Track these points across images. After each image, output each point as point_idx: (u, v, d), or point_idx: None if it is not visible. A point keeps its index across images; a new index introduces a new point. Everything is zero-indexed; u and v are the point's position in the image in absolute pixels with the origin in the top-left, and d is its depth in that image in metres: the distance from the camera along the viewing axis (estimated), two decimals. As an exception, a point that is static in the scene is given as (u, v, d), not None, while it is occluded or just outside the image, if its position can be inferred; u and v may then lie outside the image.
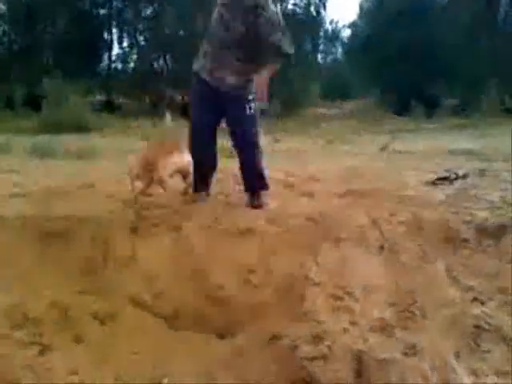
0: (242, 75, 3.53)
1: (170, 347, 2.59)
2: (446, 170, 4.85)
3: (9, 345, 2.40)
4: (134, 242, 3.15)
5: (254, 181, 3.73)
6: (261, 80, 3.50)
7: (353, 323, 2.38)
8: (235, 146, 3.72)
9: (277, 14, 3.48)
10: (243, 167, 3.74)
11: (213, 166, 3.84)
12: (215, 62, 3.55)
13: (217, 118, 3.68)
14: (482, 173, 4.86)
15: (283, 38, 3.47)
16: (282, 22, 3.49)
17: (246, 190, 3.78)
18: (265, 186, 3.76)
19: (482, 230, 3.05)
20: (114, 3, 21.45)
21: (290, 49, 3.52)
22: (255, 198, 3.71)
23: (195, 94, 3.72)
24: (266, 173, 3.76)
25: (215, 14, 3.55)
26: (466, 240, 2.99)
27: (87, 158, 6.76)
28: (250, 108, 3.56)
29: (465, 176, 4.63)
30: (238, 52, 3.49)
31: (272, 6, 3.45)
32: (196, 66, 3.66)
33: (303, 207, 3.59)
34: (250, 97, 3.56)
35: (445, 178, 4.53)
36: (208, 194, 3.87)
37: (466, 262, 2.83)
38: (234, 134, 3.68)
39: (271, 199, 3.77)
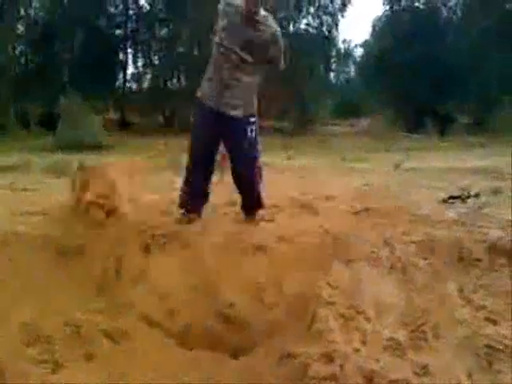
0: (244, 99, 3.59)
1: (182, 366, 2.59)
2: (459, 189, 4.84)
3: (22, 362, 2.42)
4: (146, 260, 3.17)
5: (252, 201, 3.81)
6: None
7: (364, 343, 2.36)
8: (234, 168, 3.75)
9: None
10: (241, 187, 3.80)
11: (207, 192, 3.86)
12: (219, 87, 3.58)
13: (217, 143, 3.72)
14: (495, 191, 4.84)
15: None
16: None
17: (243, 207, 3.87)
18: (261, 206, 3.84)
19: (495, 249, 3.03)
20: (130, 24, 21.79)
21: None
22: (251, 215, 3.80)
23: (197, 119, 3.78)
24: (263, 192, 3.84)
25: (216, 39, 3.59)
26: (478, 259, 2.97)
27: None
28: (252, 130, 3.60)
29: (478, 195, 4.61)
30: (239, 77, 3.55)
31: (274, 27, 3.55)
32: (199, 93, 3.71)
33: (315, 225, 3.59)
34: (252, 119, 3.61)
35: (458, 197, 4.51)
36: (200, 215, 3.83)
37: (478, 281, 2.81)
38: (234, 158, 3.72)
39: (284, 217, 3.80)
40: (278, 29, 3.59)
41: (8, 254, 3.19)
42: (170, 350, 2.74)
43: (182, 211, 3.79)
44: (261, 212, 3.84)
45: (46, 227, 3.57)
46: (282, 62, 3.66)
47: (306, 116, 20.67)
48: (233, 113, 3.55)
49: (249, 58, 3.45)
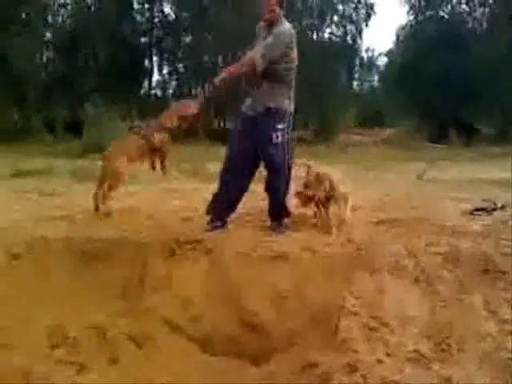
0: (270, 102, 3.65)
1: (204, 372, 2.61)
2: (484, 200, 4.78)
3: (48, 363, 2.46)
4: (170, 266, 3.20)
5: (277, 208, 3.83)
6: None
7: (388, 354, 2.35)
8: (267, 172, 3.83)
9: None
10: (268, 193, 3.84)
11: (241, 196, 3.90)
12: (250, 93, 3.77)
13: (253, 147, 3.76)
14: (521, 204, 4.77)
15: None
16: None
17: (269, 215, 3.88)
18: (286, 215, 3.87)
19: (521, 263, 2.99)
20: (155, 32, 22.02)
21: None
22: (277, 224, 3.80)
23: (234, 124, 3.92)
24: (289, 201, 3.89)
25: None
26: (503, 272, 2.93)
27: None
28: (277, 136, 3.63)
29: (503, 207, 4.55)
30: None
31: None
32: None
33: (339, 235, 3.58)
34: (280, 126, 3.64)
35: (483, 209, 4.46)
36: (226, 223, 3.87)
37: (503, 294, 2.77)
38: (263, 160, 3.78)
39: (307, 227, 3.81)
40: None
41: (34, 259, 3.25)
42: (192, 355, 2.77)
43: (210, 218, 3.84)
44: (286, 221, 3.84)
45: (72, 231, 3.62)
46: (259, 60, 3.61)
47: (329, 125, 20.62)
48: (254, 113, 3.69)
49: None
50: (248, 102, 3.78)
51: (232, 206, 3.86)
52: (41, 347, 2.58)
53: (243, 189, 3.84)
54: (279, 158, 3.68)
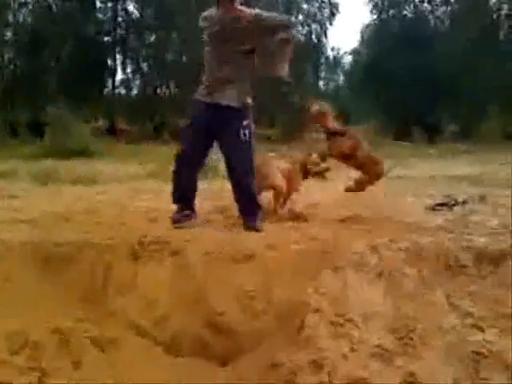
0: (238, 96, 3.66)
1: (170, 374, 2.59)
2: (446, 196, 4.87)
3: (9, 370, 2.40)
4: (134, 268, 3.16)
5: (249, 204, 3.82)
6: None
7: (353, 350, 2.37)
8: (230, 171, 3.82)
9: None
10: (237, 191, 3.82)
11: (195, 190, 3.90)
12: (214, 83, 3.69)
13: (210, 144, 3.78)
14: (481, 199, 4.87)
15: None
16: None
17: (241, 213, 3.87)
18: (258, 208, 3.85)
19: (482, 257, 3.05)
20: (118, 30, 21.79)
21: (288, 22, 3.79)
22: (250, 220, 3.77)
23: (192, 118, 3.84)
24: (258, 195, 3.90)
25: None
26: (465, 266, 2.99)
27: (89, 183, 6.79)
28: (245, 134, 3.62)
29: (464, 202, 4.65)
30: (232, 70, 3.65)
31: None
32: (196, 93, 3.80)
33: (303, 233, 3.60)
34: (245, 122, 3.63)
35: (444, 204, 4.54)
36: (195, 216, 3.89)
37: (465, 288, 2.83)
38: (228, 160, 3.78)
39: (272, 225, 3.81)
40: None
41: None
42: (158, 358, 2.73)
43: (179, 206, 3.83)
44: (258, 222, 3.83)
45: (34, 235, 3.55)
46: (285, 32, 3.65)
47: (294, 124, 20.72)
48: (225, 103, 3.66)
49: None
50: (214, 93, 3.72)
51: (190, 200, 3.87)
52: (1, 353, 2.51)
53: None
54: (249, 155, 3.71)
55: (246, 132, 3.66)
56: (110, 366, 2.57)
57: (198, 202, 3.96)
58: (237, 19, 3.55)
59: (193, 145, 3.76)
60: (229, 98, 3.66)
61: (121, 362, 2.62)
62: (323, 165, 4.29)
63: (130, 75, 22.79)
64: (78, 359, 2.57)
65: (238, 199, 3.86)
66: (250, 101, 3.75)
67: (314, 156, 4.28)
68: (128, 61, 22.51)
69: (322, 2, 22.46)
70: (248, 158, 3.72)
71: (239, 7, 3.56)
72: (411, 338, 2.44)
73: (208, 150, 3.84)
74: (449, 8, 23.42)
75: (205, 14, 3.75)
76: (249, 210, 3.82)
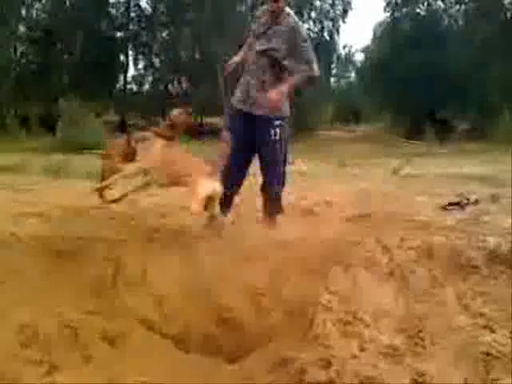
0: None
1: (179, 370, 2.58)
2: (458, 195, 4.84)
3: (18, 363, 2.40)
4: (144, 263, 3.16)
5: (272, 204, 3.80)
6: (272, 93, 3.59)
7: (362, 349, 2.36)
8: (260, 167, 3.84)
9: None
10: (263, 188, 3.82)
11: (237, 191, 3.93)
12: (247, 89, 3.74)
13: (251, 145, 3.78)
14: (494, 198, 4.83)
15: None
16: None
17: (263, 211, 3.87)
18: (280, 211, 3.84)
19: (494, 257, 3.03)
20: (131, 26, 21.83)
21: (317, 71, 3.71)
22: (270, 220, 3.77)
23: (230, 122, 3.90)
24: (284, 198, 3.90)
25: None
26: (476, 266, 2.96)
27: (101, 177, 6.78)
28: (275, 133, 3.61)
29: (477, 201, 4.62)
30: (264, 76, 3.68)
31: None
32: (232, 99, 3.87)
33: (314, 231, 3.59)
34: (277, 122, 3.61)
35: (456, 204, 4.51)
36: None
37: (476, 288, 2.80)
38: (260, 157, 3.81)
39: (283, 223, 3.80)
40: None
41: (6, 256, 3.18)
42: (167, 353, 2.73)
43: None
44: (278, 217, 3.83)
45: (45, 228, 3.56)
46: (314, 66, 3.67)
47: (305, 121, 20.68)
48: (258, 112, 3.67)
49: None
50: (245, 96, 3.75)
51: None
52: (11, 346, 2.52)
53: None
54: (277, 154, 3.72)
55: (278, 131, 3.65)
56: (120, 360, 2.57)
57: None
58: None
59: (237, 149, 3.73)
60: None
61: (130, 356, 2.62)
62: None
63: (142, 71, 22.87)
64: (87, 353, 2.57)
65: (263, 197, 3.87)
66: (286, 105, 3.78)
67: None
68: (140, 56, 22.59)
69: (335, -1, 22.39)
70: (277, 157, 3.73)
71: (286, 10, 3.59)
72: (421, 338, 2.42)
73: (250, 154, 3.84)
74: (462, 7, 23.25)
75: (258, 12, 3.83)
76: (271, 211, 3.83)
